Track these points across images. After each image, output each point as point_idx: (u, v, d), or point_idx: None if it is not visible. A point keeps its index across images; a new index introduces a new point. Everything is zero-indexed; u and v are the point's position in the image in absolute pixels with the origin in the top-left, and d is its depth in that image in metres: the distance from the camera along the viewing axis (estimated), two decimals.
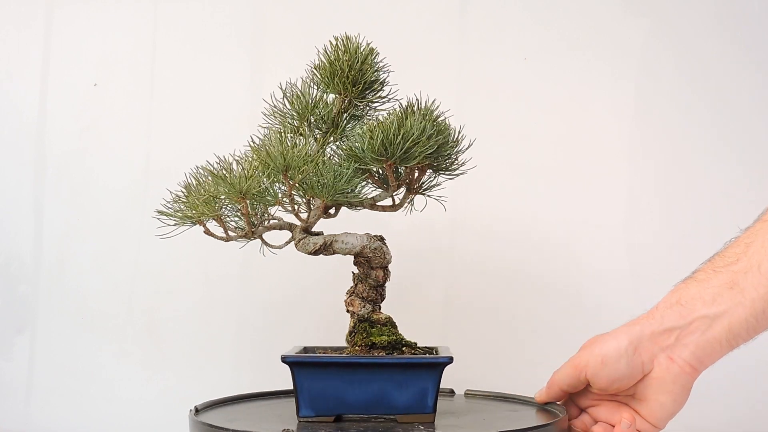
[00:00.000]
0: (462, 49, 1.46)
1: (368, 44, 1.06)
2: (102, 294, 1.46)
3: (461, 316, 1.46)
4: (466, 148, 1.03)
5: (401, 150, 0.98)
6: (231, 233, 1.07)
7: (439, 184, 1.06)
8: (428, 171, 1.05)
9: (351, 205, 1.06)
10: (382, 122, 1.00)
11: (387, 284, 1.08)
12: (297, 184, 1.00)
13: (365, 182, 1.05)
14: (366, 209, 1.08)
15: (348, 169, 0.99)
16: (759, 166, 1.48)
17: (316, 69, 1.08)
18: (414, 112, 1.01)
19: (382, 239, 1.07)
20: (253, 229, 1.05)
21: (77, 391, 1.45)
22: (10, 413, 1.45)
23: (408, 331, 1.08)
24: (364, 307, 1.07)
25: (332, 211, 1.09)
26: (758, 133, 1.48)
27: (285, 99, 1.07)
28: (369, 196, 1.07)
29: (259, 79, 1.48)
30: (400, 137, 0.98)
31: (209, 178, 1.03)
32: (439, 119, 1.01)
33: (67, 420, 1.44)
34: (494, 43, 1.48)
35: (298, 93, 1.08)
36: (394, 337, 1.05)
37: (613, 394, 1.05)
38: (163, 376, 1.45)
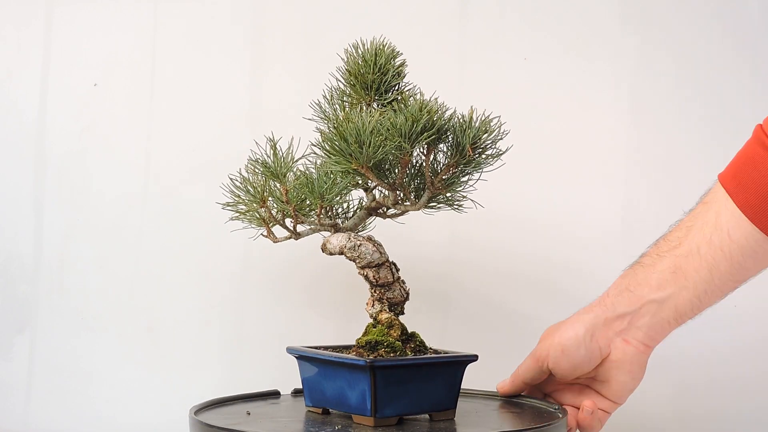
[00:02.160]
0: (462, 50, 1.46)
1: (392, 51, 1.08)
2: (102, 294, 1.46)
3: (461, 315, 1.46)
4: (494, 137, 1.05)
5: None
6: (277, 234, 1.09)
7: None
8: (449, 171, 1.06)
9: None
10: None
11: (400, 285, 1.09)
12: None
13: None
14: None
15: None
16: None
17: (343, 76, 1.10)
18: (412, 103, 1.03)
19: (369, 239, 1.07)
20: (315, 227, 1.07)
21: (77, 391, 1.44)
22: (10, 413, 1.45)
23: (419, 330, 1.10)
24: (373, 306, 1.08)
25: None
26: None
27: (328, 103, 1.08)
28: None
29: (259, 79, 1.48)
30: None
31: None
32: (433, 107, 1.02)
33: (67, 420, 1.44)
34: (494, 43, 1.48)
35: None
36: (376, 338, 1.06)
37: (574, 378, 1.12)
38: (163, 376, 1.45)
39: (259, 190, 1.07)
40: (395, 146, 0.98)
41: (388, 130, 0.98)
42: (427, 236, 1.42)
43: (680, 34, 1.47)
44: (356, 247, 1.07)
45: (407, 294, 1.08)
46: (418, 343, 1.07)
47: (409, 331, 1.08)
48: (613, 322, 1.09)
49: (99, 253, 1.46)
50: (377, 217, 1.14)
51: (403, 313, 1.09)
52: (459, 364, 1.04)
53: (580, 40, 1.47)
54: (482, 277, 1.45)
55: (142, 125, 1.48)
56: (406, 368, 1.01)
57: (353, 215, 1.13)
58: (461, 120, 1.03)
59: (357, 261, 1.07)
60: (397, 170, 1.04)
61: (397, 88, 1.10)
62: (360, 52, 1.10)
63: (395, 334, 1.06)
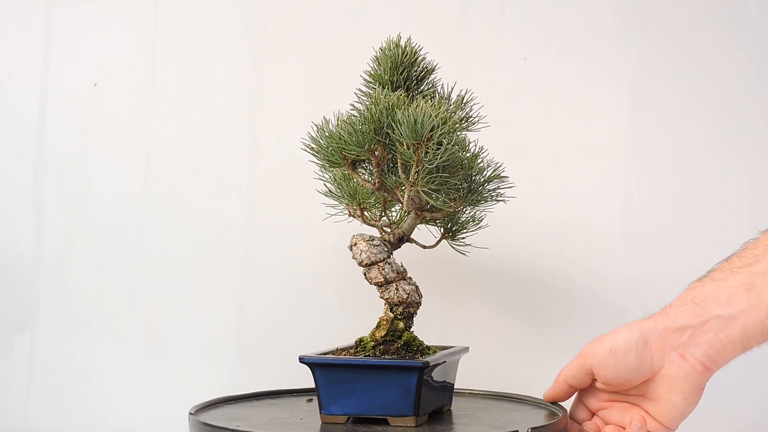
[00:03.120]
0: (462, 49, 1.46)
1: (415, 54, 1.09)
2: (102, 294, 1.46)
3: (461, 314, 1.46)
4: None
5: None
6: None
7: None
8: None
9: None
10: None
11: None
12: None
13: None
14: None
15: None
16: (756, 163, 1.48)
17: (371, 77, 1.09)
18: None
19: (366, 239, 1.08)
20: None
21: (77, 391, 1.45)
22: (10, 413, 1.45)
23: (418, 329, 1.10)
24: (383, 306, 1.09)
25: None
26: (755, 131, 1.48)
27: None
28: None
29: (259, 78, 1.48)
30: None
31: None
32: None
33: (67, 420, 1.44)
34: (494, 43, 1.48)
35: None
36: (363, 337, 1.07)
37: (621, 392, 1.03)
38: (163, 376, 1.45)
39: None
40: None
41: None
42: (426, 236, 1.42)
43: (680, 34, 1.47)
44: (351, 247, 1.07)
45: (407, 296, 1.08)
46: (402, 344, 1.06)
47: (413, 333, 1.08)
48: (671, 334, 0.99)
49: (99, 253, 1.46)
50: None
51: (406, 315, 1.08)
52: (407, 369, 0.99)
53: (580, 40, 1.47)
54: (481, 276, 1.45)
55: (142, 125, 1.48)
56: (345, 368, 1.01)
57: (399, 218, 1.13)
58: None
59: (354, 259, 1.07)
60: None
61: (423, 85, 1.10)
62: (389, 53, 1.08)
63: (378, 335, 1.06)
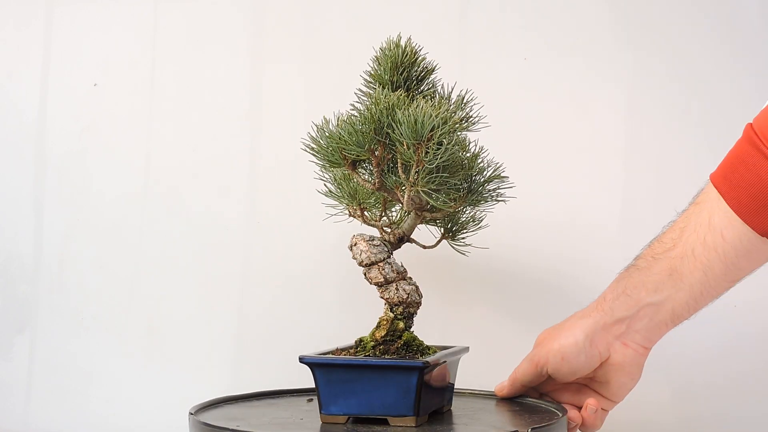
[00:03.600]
0: (462, 49, 1.46)
1: (416, 54, 1.09)
2: (102, 294, 1.46)
3: (461, 314, 1.46)
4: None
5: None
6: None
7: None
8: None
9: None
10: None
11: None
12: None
13: None
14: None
15: None
16: None
17: (371, 77, 1.09)
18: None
19: (366, 239, 1.08)
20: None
21: (77, 391, 1.45)
22: (10, 413, 1.45)
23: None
24: (384, 306, 1.09)
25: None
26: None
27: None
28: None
29: (259, 78, 1.48)
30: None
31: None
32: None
33: (67, 420, 1.44)
34: (494, 43, 1.48)
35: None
36: (363, 337, 1.08)
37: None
38: (163, 376, 1.45)
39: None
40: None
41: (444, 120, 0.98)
42: (426, 236, 1.42)
43: (677, 35, 1.47)
44: (351, 247, 1.07)
45: (408, 296, 1.07)
46: (402, 344, 1.05)
47: (413, 333, 1.08)
48: (611, 327, 1.09)
49: (99, 253, 1.46)
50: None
51: (406, 315, 1.08)
52: (407, 369, 0.99)
53: (579, 41, 1.47)
54: (481, 276, 1.45)
55: (142, 125, 1.48)
56: (345, 368, 1.01)
57: (399, 218, 1.13)
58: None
59: (355, 260, 1.08)
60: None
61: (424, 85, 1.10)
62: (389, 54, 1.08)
63: (378, 335, 1.06)
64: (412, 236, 1.11)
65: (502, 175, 1.08)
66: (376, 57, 1.09)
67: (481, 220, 1.12)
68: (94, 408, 1.44)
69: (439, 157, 0.97)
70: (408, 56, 1.07)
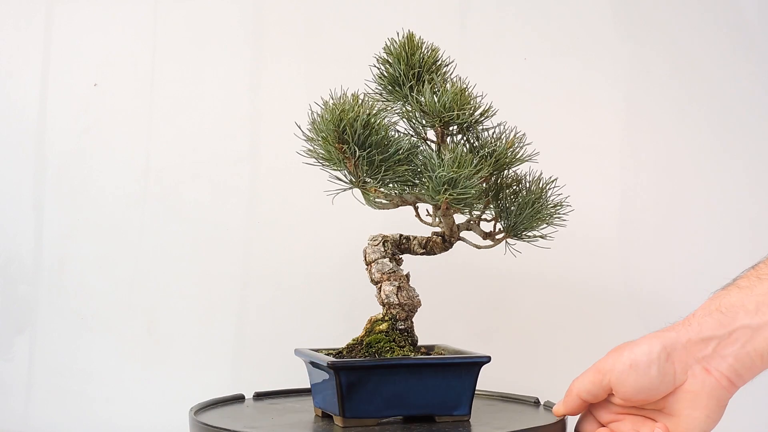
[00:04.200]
0: (462, 49, 1.46)
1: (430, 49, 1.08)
2: (102, 294, 1.46)
3: (461, 314, 1.46)
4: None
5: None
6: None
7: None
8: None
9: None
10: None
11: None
12: None
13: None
14: None
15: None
16: (753, 164, 1.48)
17: (380, 77, 1.08)
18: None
19: (371, 238, 1.08)
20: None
21: (77, 391, 1.44)
22: (10, 413, 1.45)
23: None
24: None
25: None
26: (752, 131, 1.48)
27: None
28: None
29: (259, 78, 1.48)
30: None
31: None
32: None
33: (67, 420, 1.44)
34: (494, 43, 1.48)
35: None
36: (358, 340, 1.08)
37: (639, 407, 0.97)
38: (163, 376, 1.45)
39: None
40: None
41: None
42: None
43: (676, 34, 1.48)
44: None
45: (386, 298, 1.06)
46: (365, 345, 1.06)
47: (388, 335, 1.07)
48: (695, 346, 0.93)
49: (99, 253, 1.46)
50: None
51: (392, 317, 1.07)
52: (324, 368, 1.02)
53: (578, 41, 1.48)
54: (479, 275, 1.45)
55: (142, 125, 1.47)
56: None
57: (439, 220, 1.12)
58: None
59: None
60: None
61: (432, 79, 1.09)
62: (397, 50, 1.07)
63: (360, 336, 1.07)
64: (462, 236, 1.09)
65: (563, 203, 1.07)
66: (385, 53, 1.07)
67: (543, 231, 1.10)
68: (94, 408, 1.44)
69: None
70: (425, 58, 1.07)
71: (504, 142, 1.04)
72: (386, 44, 1.07)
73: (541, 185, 1.07)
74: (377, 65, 1.08)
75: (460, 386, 1.03)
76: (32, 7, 1.48)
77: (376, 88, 1.08)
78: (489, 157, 1.02)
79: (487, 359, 1.03)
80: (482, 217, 1.09)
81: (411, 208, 1.09)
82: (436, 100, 1.01)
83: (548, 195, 1.07)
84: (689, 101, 1.48)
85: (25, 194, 1.47)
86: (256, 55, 1.49)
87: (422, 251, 1.10)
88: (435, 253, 1.10)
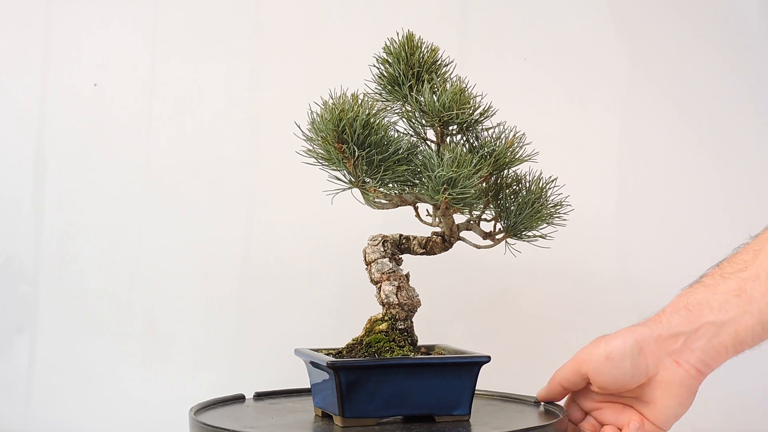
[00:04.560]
0: (462, 49, 1.46)
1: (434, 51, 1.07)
2: (102, 294, 1.46)
3: (457, 314, 1.46)
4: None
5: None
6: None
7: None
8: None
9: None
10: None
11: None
12: None
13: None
14: None
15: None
16: (750, 163, 1.49)
17: (380, 77, 1.07)
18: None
19: (371, 237, 1.08)
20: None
21: (77, 391, 1.45)
22: (10, 413, 1.45)
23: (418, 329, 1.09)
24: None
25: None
26: (750, 130, 1.48)
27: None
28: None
29: (259, 78, 1.48)
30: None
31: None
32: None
33: (67, 420, 1.44)
34: (494, 43, 1.48)
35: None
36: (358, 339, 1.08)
37: (616, 395, 1.05)
38: (163, 376, 1.45)
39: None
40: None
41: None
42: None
43: (676, 34, 1.48)
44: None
45: (385, 297, 1.06)
46: (364, 345, 1.06)
47: (388, 335, 1.07)
48: (666, 341, 1.01)
49: (99, 252, 1.46)
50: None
51: (391, 317, 1.07)
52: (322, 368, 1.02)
53: (579, 41, 1.48)
54: (479, 275, 1.45)
55: (142, 125, 1.48)
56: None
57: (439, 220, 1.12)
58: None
59: None
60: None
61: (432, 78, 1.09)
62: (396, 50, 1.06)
63: (360, 335, 1.07)
64: (462, 236, 1.09)
65: (563, 202, 1.07)
66: (385, 54, 1.07)
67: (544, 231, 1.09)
68: (94, 408, 1.44)
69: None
70: (424, 57, 1.07)
71: (503, 141, 1.04)
72: (386, 44, 1.07)
73: (540, 185, 1.07)
74: (377, 65, 1.08)
75: (460, 386, 1.03)
76: (32, 7, 1.48)
77: (376, 88, 1.08)
78: (488, 157, 1.02)
79: (487, 359, 1.03)
80: (482, 217, 1.09)
81: (411, 208, 1.09)
82: (435, 99, 1.01)
83: (548, 195, 1.07)
84: (688, 102, 1.48)
85: (25, 194, 1.47)
86: (256, 54, 1.49)
87: (422, 251, 1.10)
88: (435, 253, 1.10)
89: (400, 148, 1.02)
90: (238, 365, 1.45)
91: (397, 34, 1.07)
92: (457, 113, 1.00)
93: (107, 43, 1.48)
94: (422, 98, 1.01)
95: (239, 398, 1.17)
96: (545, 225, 1.07)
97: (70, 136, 1.47)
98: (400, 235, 1.10)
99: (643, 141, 1.48)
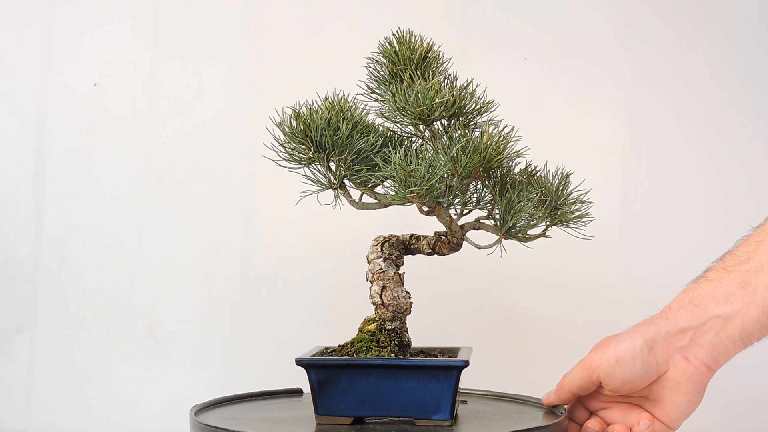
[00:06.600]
0: (462, 49, 1.46)
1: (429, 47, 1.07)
2: (102, 294, 1.46)
3: (462, 315, 1.46)
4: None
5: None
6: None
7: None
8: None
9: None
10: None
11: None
12: None
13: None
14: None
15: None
16: (751, 162, 1.49)
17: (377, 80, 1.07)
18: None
19: (376, 238, 1.08)
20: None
21: (77, 390, 1.45)
22: (11, 413, 1.45)
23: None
24: None
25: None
26: (750, 130, 1.48)
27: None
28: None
29: (259, 78, 1.48)
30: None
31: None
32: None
33: (67, 420, 1.44)
34: (494, 43, 1.48)
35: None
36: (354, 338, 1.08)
37: (625, 395, 1.04)
38: (163, 376, 1.45)
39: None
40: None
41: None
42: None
43: (677, 34, 1.48)
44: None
45: (372, 298, 1.06)
46: (350, 343, 1.06)
47: (375, 336, 1.07)
48: (673, 337, 1.00)
49: (99, 252, 1.46)
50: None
51: (380, 318, 1.07)
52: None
53: (579, 41, 1.48)
54: (479, 276, 1.45)
55: (142, 125, 1.48)
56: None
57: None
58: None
59: None
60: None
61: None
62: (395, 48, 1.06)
63: (357, 336, 1.07)
64: (467, 236, 1.09)
65: (587, 200, 1.07)
66: (381, 52, 1.07)
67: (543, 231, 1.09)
68: (94, 408, 1.44)
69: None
70: (417, 52, 1.06)
71: (482, 135, 1.02)
72: (380, 43, 1.07)
73: (557, 181, 1.06)
74: (369, 66, 1.08)
75: (439, 390, 1.01)
76: (32, 7, 1.48)
77: (366, 89, 1.08)
78: (469, 151, 1.00)
79: (465, 363, 1.01)
80: (487, 217, 1.09)
81: (415, 207, 1.08)
82: (408, 95, 0.99)
83: (569, 193, 1.06)
84: (689, 103, 1.48)
85: (25, 194, 1.47)
86: (256, 54, 1.48)
87: (430, 251, 1.10)
88: (444, 254, 1.10)
89: (374, 151, 1.01)
90: (238, 365, 1.45)
91: (391, 31, 1.07)
92: (434, 108, 0.99)
93: (107, 43, 1.48)
94: (396, 98, 1.00)
95: (239, 398, 1.16)
96: (558, 224, 1.06)
97: (70, 136, 1.47)
98: (411, 235, 1.09)
99: (643, 140, 1.48)
